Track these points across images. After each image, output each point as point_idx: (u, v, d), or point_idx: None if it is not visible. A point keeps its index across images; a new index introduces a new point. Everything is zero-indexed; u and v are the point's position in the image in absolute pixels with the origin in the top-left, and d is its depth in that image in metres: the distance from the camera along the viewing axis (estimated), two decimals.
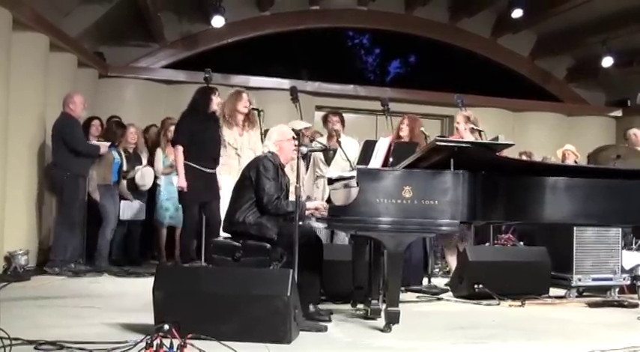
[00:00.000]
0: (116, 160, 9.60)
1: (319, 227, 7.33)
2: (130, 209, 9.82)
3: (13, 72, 8.53)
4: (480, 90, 13.67)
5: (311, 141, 8.44)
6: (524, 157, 11.13)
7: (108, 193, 9.46)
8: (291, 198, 6.30)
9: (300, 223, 5.62)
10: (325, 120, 8.76)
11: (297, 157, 5.82)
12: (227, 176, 7.93)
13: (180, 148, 8.10)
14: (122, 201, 9.74)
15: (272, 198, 5.83)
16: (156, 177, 10.23)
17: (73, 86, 10.23)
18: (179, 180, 8.11)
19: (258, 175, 5.88)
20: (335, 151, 8.42)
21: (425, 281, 8.21)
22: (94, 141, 9.29)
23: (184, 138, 8.13)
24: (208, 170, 7.98)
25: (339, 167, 8.22)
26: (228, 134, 8.07)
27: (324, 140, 8.54)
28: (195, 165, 8.03)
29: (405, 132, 8.39)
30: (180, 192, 8.16)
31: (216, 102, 8.25)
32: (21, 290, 7.20)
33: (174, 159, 8.52)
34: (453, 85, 12.71)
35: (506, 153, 6.63)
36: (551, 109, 15.04)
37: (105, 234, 9.39)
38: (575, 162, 10.01)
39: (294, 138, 6.11)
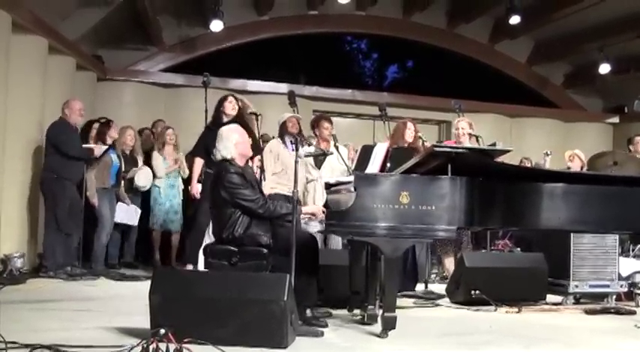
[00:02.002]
0: (115, 163, 9.59)
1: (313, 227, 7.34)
2: (124, 212, 9.80)
3: (11, 74, 8.54)
4: (477, 96, 13.71)
5: (308, 144, 8.44)
6: (526, 163, 11.16)
7: (105, 196, 9.44)
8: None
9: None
10: (317, 125, 8.72)
11: (295, 161, 5.80)
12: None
13: (198, 160, 8.37)
14: (118, 203, 9.72)
15: (260, 204, 5.75)
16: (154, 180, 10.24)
17: (72, 89, 10.24)
18: (192, 188, 8.21)
19: (230, 192, 5.73)
20: (325, 156, 8.40)
21: (422, 286, 8.21)
22: (90, 145, 9.26)
23: (201, 150, 8.35)
24: None
25: (331, 171, 8.23)
26: None
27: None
28: (208, 170, 8.18)
29: (410, 138, 8.37)
30: (196, 198, 8.29)
31: (230, 108, 8.30)
32: (17, 293, 7.18)
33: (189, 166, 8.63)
34: (450, 91, 12.74)
35: (504, 159, 6.62)
36: (549, 115, 15.09)
37: (100, 238, 9.38)
38: (582, 168, 9.98)
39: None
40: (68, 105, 8.93)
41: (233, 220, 5.78)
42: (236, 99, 8.52)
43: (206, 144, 8.25)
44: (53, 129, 8.85)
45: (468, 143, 8.07)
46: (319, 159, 8.46)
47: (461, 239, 8.44)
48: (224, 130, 6.14)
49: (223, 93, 9.20)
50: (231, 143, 5.94)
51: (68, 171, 8.83)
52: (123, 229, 10.05)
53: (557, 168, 10.43)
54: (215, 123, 8.31)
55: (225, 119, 8.33)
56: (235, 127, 6.29)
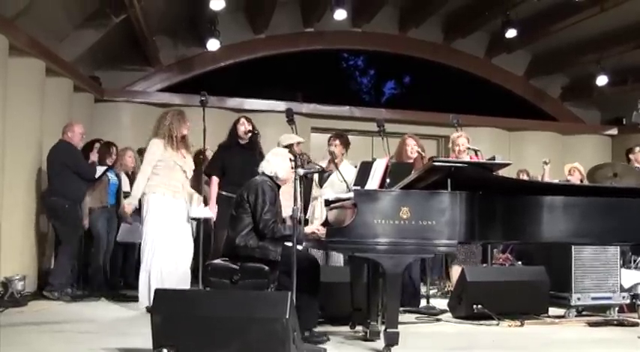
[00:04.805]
0: (112, 182, 9.58)
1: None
2: (128, 231, 9.77)
3: (9, 97, 8.53)
4: (474, 110, 13.72)
5: (308, 162, 8.43)
6: (524, 176, 11.16)
7: (102, 216, 9.40)
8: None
9: (300, 248, 5.64)
10: (328, 142, 8.74)
11: (295, 179, 5.82)
12: (171, 199, 7.78)
13: (214, 179, 8.34)
14: (122, 223, 9.70)
15: (268, 222, 5.82)
16: None
17: (69, 111, 10.25)
18: (211, 208, 8.18)
19: (257, 199, 5.89)
20: (329, 174, 8.40)
21: (424, 302, 8.20)
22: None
23: (217, 169, 8.37)
24: (233, 194, 7.90)
25: (334, 189, 8.22)
26: (175, 155, 7.84)
27: (324, 163, 8.53)
28: (221, 192, 8.24)
29: (414, 154, 8.37)
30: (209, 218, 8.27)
31: (242, 131, 8.34)
32: (18, 316, 7.17)
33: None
34: (448, 105, 12.73)
35: (502, 172, 6.62)
36: (547, 128, 15.09)
37: (97, 258, 9.34)
38: (581, 181, 9.99)
39: (290, 160, 6.10)
40: (72, 129, 8.94)
41: (250, 230, 5.91)
42: (247, 120, 8.54)
43: (223, 163, 8.34)
44: (60, 151, 8.84)
45: (465, 157, 8.07)
46: (323, 177, 8.47)
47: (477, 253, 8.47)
48: (277, 150, 6.54)
49: (221, 113, 9.21)
50: (285, 164, 6.19)
51: (78, 193, 8.93)
52: (124, 250, 10.02)
53: (556, 179, 10.47)
54: (230, 143, 8.44)
55: (240, 141, 8.38)
56: (285, 152, 6.46)
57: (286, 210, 6.60)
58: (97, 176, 9.22)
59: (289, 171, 6.14)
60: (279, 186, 6.25)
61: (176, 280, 7.44)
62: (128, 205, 8.01)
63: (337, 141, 8.53)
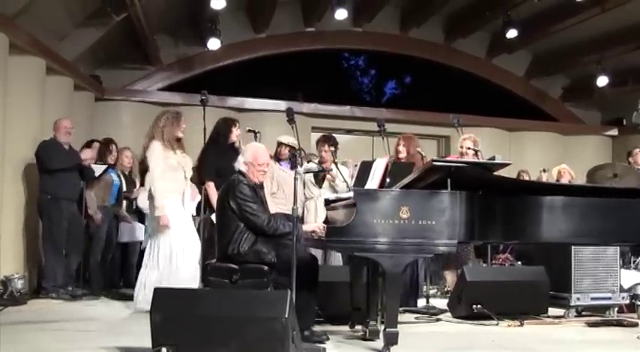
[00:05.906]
0: (115, 182, 9.58)
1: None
2: (128, 231, 9.78)
3: (9, 95, 8.54)
4: (475, 110, 13.70)
5: (307, 161, 8.44)
6: (525, 176, 11.16)
7: (104, 215, 9.41)
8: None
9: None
10: (317, 146, 8.75)
11: (295, 178, 5.80)
12: (179, 202, 7.76)
13: (211, 184, 8.03)
14: (121, 223, 9.71)
15: (266, 221, 5.78)
16: None
17: (70, 109, 10.24)
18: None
19: (239, 204, 5.79)
20: (324, 173, 8.39)
21: (423, 301, 8.20)
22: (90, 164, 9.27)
23: (212, 174, 8.08)
24: None
25: (331, 189, 8.22)
26: (173, 157, 7.77)
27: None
28: None
29: (403, 154, 8.42)
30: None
31: (235, 134, 8.26)
32: (18, 315, 7.17)
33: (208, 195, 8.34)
34: (448, 105, 12.72)
35: (503, 173, 6.62)
36: (547, 129, 15.09)
37: (96, 257, 9.32)
38: (570, 181, 10.02)
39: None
40: (56, 124, 8.92)
41: (239, 235, 5.81)
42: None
43: (218, 165, 8.07)
44: (38, 148, 8.81)
45: (469, 158, 8.05)
46: (319, 176, 8.46)
47: (465, 254, 8.44)
48: (249, 145, 6.42)
49: (222, 112, 9.17)
50: (243, 158, 6.10)
51: (63, 190, 8.80)
52: (123, 249, 10.01)
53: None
54: (220, 145, 8.26)
55: (228, 143, 8.28)
56: (256, 148, 6.35)
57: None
58: (97, 175, 9.22)
59: (249, 165, 6.07)
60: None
61: (189, 279, 7.38)
62: (164, 217, 7.55)
63: (327, 147, 8.54)
